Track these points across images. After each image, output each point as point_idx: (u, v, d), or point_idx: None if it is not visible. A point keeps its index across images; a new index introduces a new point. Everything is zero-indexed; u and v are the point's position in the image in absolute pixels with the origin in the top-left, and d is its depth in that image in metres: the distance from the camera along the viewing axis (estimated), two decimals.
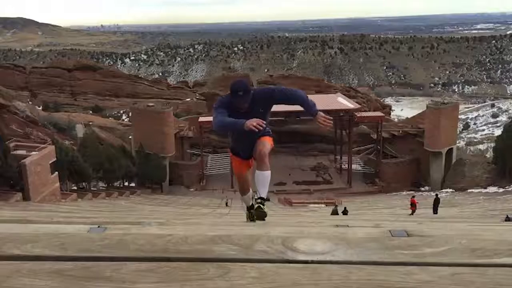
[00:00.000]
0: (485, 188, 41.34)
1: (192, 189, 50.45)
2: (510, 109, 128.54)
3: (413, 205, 22.16)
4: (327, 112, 46.16)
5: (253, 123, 4.03)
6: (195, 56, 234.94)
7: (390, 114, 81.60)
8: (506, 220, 13.81)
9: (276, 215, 16.75)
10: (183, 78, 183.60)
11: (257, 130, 4.08)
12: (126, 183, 44.30)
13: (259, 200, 4.75)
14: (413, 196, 24.62)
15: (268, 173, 4.57)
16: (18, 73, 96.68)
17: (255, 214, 4.82)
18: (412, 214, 20.93)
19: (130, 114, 68.74)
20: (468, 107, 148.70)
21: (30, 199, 22.34)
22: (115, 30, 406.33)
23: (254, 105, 4.29)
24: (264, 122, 4.29)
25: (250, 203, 4.89)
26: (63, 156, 28.46)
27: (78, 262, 1.59)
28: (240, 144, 4.67)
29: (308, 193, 48.74)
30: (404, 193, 46.81)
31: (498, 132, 70.70)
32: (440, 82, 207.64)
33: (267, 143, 4.51)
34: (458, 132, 65.35)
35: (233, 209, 23.74)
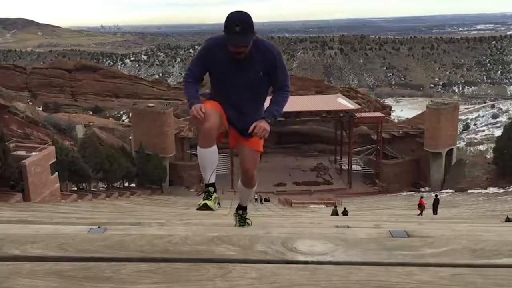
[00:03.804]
0: (485, 188, 41.32)
1: (192, 190, 50.44)
2: (510, 110, 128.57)
3: (421, 206, 22.46)
4: (327, 112, 45.65)
5: (197, 110, 3.04)
6: None
7: (390, 114, 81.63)
8: (506, 221, 13.81)
9: (276, 216, 16.75)
10: (183, 78, 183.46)
11: (199, 118, 3.05)
12: (126, 184, 44.30)
13: (240, 212, 3.94)
14: (421, 197, 24.91)
15: (254, 189, 3.82)
16: (18, 73, 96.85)
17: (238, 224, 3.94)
18: (420, 214, 21.20)
19: (130, 115, 68.77)
20: (468, 108, 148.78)
21: (30, 199, 22.32)
22: (115, 31, 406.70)
23: (254, 60, 3.09)
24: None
25: (209, 179, 3.37)
26: (63, 156, 28.44)
27: (78, 262, 1.59)
28: (224, 105, 3.31)
29: (308, 193, 48.74)
30: (405, 193, 46.80)
31: (498, 132, 70.73)
32: (440, 83, 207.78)
33: (257, 157, 3.52)
34: (458, 133, 65.35)
35: (232, 210, 23.73)
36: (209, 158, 3.30)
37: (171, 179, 50.37)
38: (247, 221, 3.91)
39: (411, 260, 1.62)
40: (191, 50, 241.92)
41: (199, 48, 3.34)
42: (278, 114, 3.23)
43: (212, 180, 3.37)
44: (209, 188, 3.34)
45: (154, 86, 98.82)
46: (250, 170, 3.59)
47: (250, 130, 3.11)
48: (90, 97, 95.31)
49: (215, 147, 3.29)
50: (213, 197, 3.32)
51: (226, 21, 2.94)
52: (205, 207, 3.25)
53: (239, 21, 2.92)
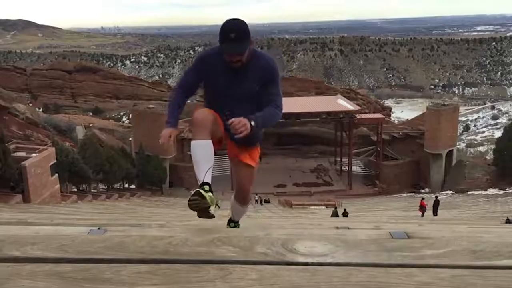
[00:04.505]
0: (485, 190, 41.29)
1: (192, 191, 50.36)
2: (510, 111, 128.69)
3: (422, 208, 22.40)
4: (327, 113, 45.43)
5: (164, 136, 3.01)
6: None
7: (390, 116, 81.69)
8: (506, 222, 13.81)
9: (276, 217, 16.75)
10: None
11: (161, 142, 3.04)
12: (126, 185, 44.30)
13: (232, 224, 3.77)
14: (423, 199, 24.92)
15: (247, 207, 3.67)
16: (19, 75, 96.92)
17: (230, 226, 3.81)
18: (422, 216, 21.17)
19: (130, 116, 68.81)
20: (468, 109, 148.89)
21: (30, 201, 22.33)
22: (115, 32, 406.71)
23: (251, 70, 2.92)
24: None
25: (204, 177, 2.89)
26: (63, 158, 28.45)
27: (78, 264, 1.59)
28: (220, 114, 3.10)
29: (308, 195, 48.73)
30: (405, 195, 46.76)
31: (498, 134, 70.72)
32: (440, 84, 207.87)
33: (252, 173, 3.33)
34: (458, 134, 65.34)
35: None
36: (203, 151, 2.92)
37: (171, 180, 50.37)
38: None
39: (411, 261, 1.62)
40: (191, 52, 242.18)
41: (194, 58, 3.19)
42: (262, 123, 2.87)
43: (208, 179, 2.87)
44: (204, 186, 2.82)
45: (154, 87, 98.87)
46: (246, 187, 3.43)
47: (229, 121, 2.76)
48: (90, 98, 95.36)
49: (209, 141, 2.92)
50: (207, 195, 2.76)
51: (221, 29, 2.82)
52: (198, 195, 2.69)
53: (234, 28, 2.79)
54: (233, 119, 2.74)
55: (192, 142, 2.95)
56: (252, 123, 2.77)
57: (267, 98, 2.98)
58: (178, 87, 3.18)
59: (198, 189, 2.78)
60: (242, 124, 2.72)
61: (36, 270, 1.50)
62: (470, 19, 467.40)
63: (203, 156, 2.92)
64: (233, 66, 2.90)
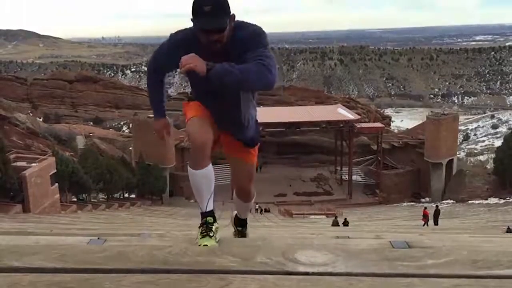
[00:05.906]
0: (486, 199, 41.22)
1: (192, 201, 50.25)
2: (510, 120, 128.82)
3: (425, 217, 22.31)
4: (327, 122, 45.46)
5: (159, 132, 2.89)
6: None
7: (390, 125, 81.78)
8: (507, 232, 13.78)
9: (276, 227, 16.70)
10: (184, 89, 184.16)
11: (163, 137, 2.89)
12: (126, 195, 44.23)
13: (240, 229, 3.50)
14: (425, 208, 24.85)
15: (252, 201, 3.31)
16: (19, 84, 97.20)
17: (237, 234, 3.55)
18: (424, 225, 21.10)
19: (130, 126, 68.86)
20: (468, 118, 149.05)
21: (30, 210, 22.28)
22: (116, 42, 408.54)
23: (233, 50, 2.37)
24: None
25: (206, 207, 2.73)
26: (63, 167, 28.45)
27: (77, 274, 1.58)
28: (208, 107, 2.73)
29: (308, 204, 48.61)
30: (405, 204, 46.68)
31: (498, 143, 70.68)
32: (440, 93, 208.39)
33: (252, 170, 3.05)
34: (458, 143, 65.33)
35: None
36: (205, 180, 2.63)
37: (171, 189, 50.28)
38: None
39: (412, 271, 1.62)
40: None
41: (165, 42, 2.69)
42: (230, 71, 2.23)
43: (210, 208, 2.70)
44: (208, 218, 2.62)
45: None
46: (246, 187, 3.10)
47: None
48: (91, 108, 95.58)
49: (210, 168, 2.61)
50: (213, 229, 2.57)
51: (193, 3, 2.28)
52: (206, 243, 2.48)
53: (208, 1, 2.23)
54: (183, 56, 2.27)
55: (191, 172, 2.64)
56: (208, 66, 2.23)
57: (252, 59, 2.33)
58: (154, 74, 2.95)
59: (205, 244, 2.48)
60: (192, 59, 2.24)
61: (35, 281, 1.50)
62: (469, 29, 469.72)
63: (205, 184, 2.67)
64: (211, 49, 2.34)
